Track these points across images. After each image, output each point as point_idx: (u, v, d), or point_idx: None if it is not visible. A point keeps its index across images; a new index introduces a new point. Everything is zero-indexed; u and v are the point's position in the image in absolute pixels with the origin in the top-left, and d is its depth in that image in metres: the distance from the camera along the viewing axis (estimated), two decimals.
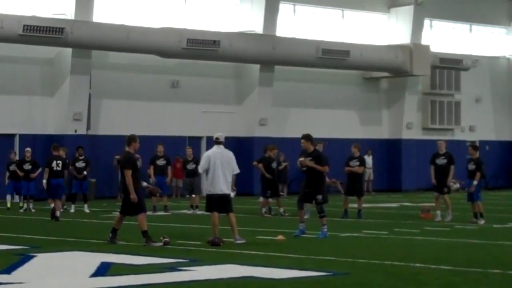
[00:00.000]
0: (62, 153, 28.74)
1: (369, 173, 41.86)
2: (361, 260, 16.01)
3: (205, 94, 41.31)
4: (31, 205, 30.49)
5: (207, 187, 18.79)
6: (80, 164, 30.57)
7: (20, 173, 30.59)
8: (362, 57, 43.48)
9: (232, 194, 19.12)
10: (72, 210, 29.83)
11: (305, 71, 43.42)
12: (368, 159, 40.15)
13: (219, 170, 18.56)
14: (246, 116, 41.63)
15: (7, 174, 30.96)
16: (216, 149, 18.95)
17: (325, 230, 20.43)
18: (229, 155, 19.07)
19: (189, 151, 30.11)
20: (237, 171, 19.22)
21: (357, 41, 44.17)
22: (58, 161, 27.46)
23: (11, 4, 36.29)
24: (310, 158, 20.56)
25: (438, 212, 26.19)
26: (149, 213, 19.41)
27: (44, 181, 27.27)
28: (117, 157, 31.22)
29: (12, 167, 30.96)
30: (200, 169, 19.05)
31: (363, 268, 14.96)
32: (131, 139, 19.11)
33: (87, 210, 29.76)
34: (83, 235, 21.01)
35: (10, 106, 36.81)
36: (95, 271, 14.33)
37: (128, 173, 18.57)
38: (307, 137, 20.91)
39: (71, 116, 37.29)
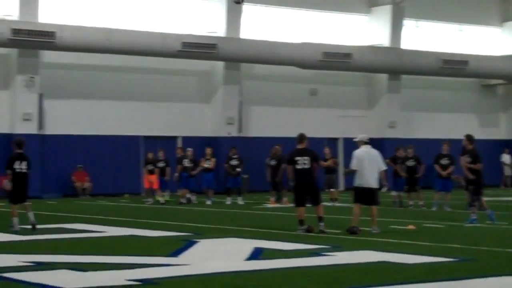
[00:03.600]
0: (188, 153, 30.84)
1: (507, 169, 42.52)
2: (485, 247, 15.69)
3: (340, 100, 41.33)
4: (194, 197, 30.94)
5: (356, 181, 18.67)
6: (234, 162, 30.85)
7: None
8: (479, 66, 42.68)
9: (384, 189, 19.02)
10: (228, 202, 30.15)
11: (428, 79, 43.01)
12: (506, 157, 41.58)
13: (367, 167, 18.47)
14: (376, 120, 41.45)
15: (180, 168, 30.85)
16: (364, 148, 18.86)
17: (473, 217, 20.74)
18: (375, 153, 18.98)
19: (326, 150, 29.98)
20: (384, 167, 19.09)
21: (474, 52, 43.37)
22: (185, 160, 30.14)
23: (171, 24, 36.86)
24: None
25: None
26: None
27: (176, 174, 30.25)
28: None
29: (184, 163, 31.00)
30: (353, 166, 18.92)
31: (487, 254, 14.67)
32: (302, 137, 19.07)
33: (241, 202, 30.01)
34: (238, 223, 21.16)
35: (173, 112, 37.52)
36: (249, 255, 14.44)
37: (290, 167, 18.84)
38: (468, 137, 21.54)
39: (225, 120, 37.78)
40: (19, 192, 19.05)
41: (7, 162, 19.22)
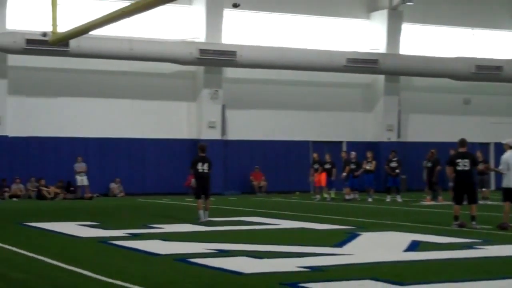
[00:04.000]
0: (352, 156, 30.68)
1: None
2: None
3: (492, 108, 40.01)
4: (356, 195, 30.77)
5: (504, 182, 18.01)
6: (393, 164, 30.42)
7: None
8: None
9: None
10: (388, 200, 29.72)
11: None
12: None
13: None
14: None
15: (348, 169, 30.76)
16: (509, 152, 18.13)
17: None
18: None
19: (478, 154, 28.99)
20: None
21: None
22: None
23: (336, 42, 36.79)
24: None
25: None
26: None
27: (344, 174, 29.98)
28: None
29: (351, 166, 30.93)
30: (501, 169, 18.26)
31: None
32: (464, 142, 18.70)
33: (399, 200, 29.55)
34: (397, 219, 20.81)
35: (338, 120, 37.46)
36: (407, 247, 14.14)
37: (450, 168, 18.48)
38: None
39: (385, 127, 37.41)
40: (201, 189, 19.57)
41: (191, 164, 20.15)
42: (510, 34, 40.45)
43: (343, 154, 32.04)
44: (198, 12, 34.29)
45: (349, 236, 15.87)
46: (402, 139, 37.93)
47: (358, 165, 30.88)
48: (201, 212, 19.50)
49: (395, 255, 13.05)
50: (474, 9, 39.46)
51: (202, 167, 19.52)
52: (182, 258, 12.04)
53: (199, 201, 19.66)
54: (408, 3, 36.04)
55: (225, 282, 10.01)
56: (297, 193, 35.27)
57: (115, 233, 16.23)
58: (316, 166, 31.62)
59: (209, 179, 19.81)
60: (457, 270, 11.33)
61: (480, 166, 27.66)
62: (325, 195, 31.10)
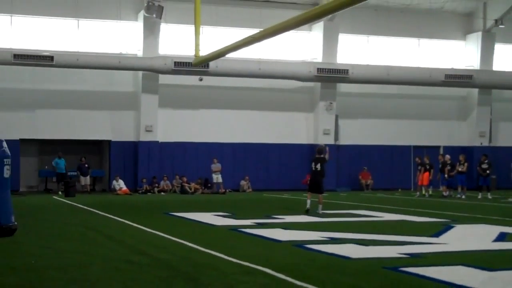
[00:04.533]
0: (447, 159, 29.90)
1: None
2: None
3: None
4: (451, 193, 29.96)
5: None
6: (484, 166, 29.48)
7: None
8: None
9: None
10: (479, 197, 28.82)
11: None
12: None
13: None
14: None
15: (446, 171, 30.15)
16: None
17: None
18: None
19: None
20: None
21: None
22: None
23: (435, 61, 35.97)
24: None
25: None
26: None
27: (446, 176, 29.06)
28: None
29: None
30: None
31: None
32: None
33: (489, 197, 28.60)
34: (487, 213, 20.15)
35: (436, 127, 36.65)
36: (496, 237, 13.73)
37: None
38: None
39: (477, 134, 36.36)
40: (312, 184, 19.59)
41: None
42: None
43: (440, 157, 31.31)
44: (316, 37, 34.30)
45: (445, 228, 15.51)
46: (493, 144, 36.68)
47: (453, 166, 30.12)
48: (308, 201, 19.51)
49: (485, 244, 12.67)
50: None
51: (316, 166, 19.54)
52: (299, 244, 12.06)
53: (309, 193, 19.67)
54: (500, 26, 34.94)
55: (336, 265, 9.96)
56: (399, 190, 34.69)
57: (244, 222, 16.40)
58: (419, 167, 31.02)
59: (321, 176, 19.70)
60: None
61: None
62: (424, 192, 30.43)
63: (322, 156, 19.82)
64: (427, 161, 30.89)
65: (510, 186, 30.08)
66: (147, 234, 13.93)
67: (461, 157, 30.49)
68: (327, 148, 20.78)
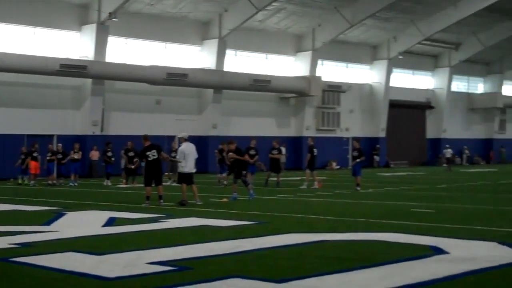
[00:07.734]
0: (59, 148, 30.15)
1: (283, 158, 41.80)
2: (276, 213, 16.08)
3: (177, 107, 40.99)
4: (61, 181, 29.97)
5: (179, 168, 18.60)
6: (109, 153, 30.88)
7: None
8: (278, 84, 43.63)
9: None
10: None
11: (242, 92, 43.34)
12: (283, 149, 40.11)
13: (188, 158, 18.53)
14: (203, 122, 41.34)
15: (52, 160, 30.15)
16: (185, 143, 18.78)
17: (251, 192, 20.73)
18: (192, 146, 19.08)
19: (174, 144, 29.57)
20: (196, 156, 19.10)
21: (276, 74, 44.29)
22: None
23: (50, 50, 35.60)
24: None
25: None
26: None
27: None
28: None
29: None
30: (179, 158, 19.08)
31: (278, 219, 15.04)
32: (146, 136, 19.06)
33: (107, 184, 29.35)
34: (96, 199, 20.61)
35: (49, 118, 36.23)
36: (105, 222, 14.35)
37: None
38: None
39: (91, 123, 36.84)
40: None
41: None
42: (195, 48, 41.73)
43: (50, 147, 31.06)
44: None
45: (56, 216, 15.67)
46: (104, 133, 37.43)
47: (65, 155, 30.28)
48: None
49: (94, 230, 13.10)
50: (167, 26, 40.19)
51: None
52: None
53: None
54: (114, 19, 35.85)
55: None
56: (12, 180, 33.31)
57: None
58: (22, 156, 30.18)
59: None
60: (147, 239, 11.70)
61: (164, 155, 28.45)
62: (21, 181, 29.87)
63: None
64: (36, 149, 30.12)
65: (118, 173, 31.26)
66: None
67: (76, 146, 30.55)
68: None
